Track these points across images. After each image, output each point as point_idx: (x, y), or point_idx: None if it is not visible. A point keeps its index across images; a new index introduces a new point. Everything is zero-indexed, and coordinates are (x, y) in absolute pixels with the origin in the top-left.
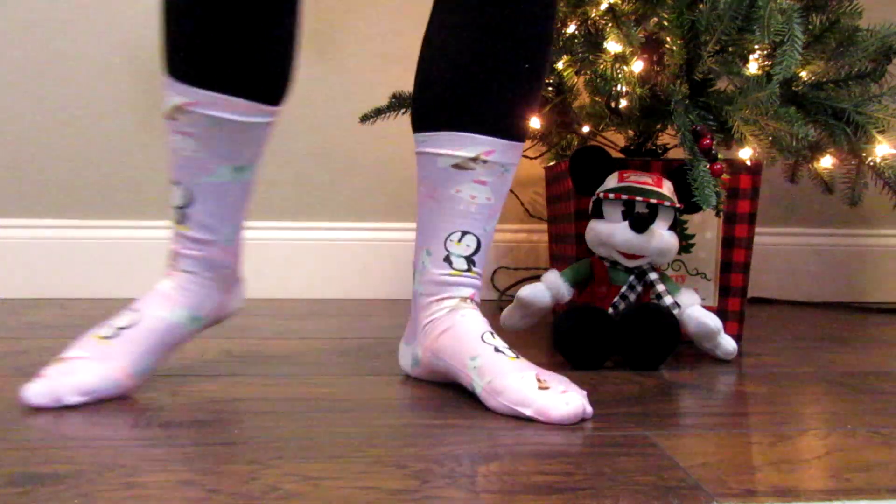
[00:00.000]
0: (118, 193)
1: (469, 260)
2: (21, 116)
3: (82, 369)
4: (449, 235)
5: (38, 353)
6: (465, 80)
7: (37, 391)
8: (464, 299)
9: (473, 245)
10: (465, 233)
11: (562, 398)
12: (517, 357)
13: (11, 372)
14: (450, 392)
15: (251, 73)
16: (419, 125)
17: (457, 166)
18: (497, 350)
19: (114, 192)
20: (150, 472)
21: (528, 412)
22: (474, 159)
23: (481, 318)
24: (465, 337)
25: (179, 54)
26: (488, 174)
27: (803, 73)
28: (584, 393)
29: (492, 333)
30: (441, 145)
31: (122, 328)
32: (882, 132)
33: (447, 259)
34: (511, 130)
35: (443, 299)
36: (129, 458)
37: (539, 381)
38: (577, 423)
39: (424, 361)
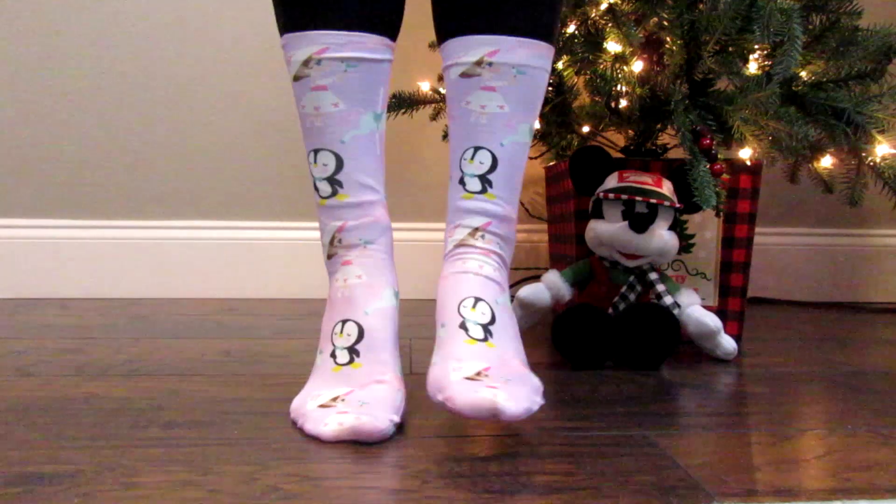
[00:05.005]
0: (118, 193)
1: (484, 179)
2: (21, 117)
3: (367, 403)
4: (463, 153)
5: (38, 352)
6: None
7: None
8: (474, 232)
9: (488, 162)
10: (477, 148)
11: (473, 386)
12: (480, 341)
13: (11, 372)
14: None
15: (372, 7)
16: (438, 40)
17: (464, 74)
18: (462, 326)
19: (114, 192)
20: (150, 472)
21: (439, 397)
22: (479, 63)
23: (475, 275)
24: (446, 298)
25: (299, 4)
26: (497, 78)
27: (803, 73)
28: (540, 403)
29: (475, 300)
30: (448, 55)
31: (353, 346)
32: (882, 132)
33: (461, 181)
34: (522, 26)
35: (456, 228)
36: (129, 458)
37: (483, 375)
38: (576, 423)
39: None
